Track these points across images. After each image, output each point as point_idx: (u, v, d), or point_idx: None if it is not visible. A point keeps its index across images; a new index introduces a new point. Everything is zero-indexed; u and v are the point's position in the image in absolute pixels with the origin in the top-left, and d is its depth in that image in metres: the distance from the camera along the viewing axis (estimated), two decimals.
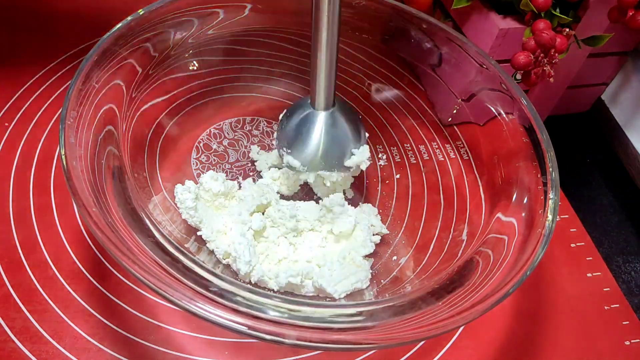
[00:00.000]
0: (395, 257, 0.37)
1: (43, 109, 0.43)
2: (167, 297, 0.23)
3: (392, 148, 0.42)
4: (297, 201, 0.38)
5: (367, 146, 0.37)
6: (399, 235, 0.38)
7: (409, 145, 0.41)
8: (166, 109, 0.38)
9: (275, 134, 0.38)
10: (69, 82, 0.29)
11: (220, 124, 0.42)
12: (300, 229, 0.36)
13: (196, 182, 0.37)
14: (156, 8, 0.34)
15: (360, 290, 0.34)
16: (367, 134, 0.38)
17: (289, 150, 0.36)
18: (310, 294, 0.33)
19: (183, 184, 0.37)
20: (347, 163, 0.37)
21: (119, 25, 0.32)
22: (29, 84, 0.45)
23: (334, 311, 0.26)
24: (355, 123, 0.37)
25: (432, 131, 0.40)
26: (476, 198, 0.35)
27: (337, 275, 0.33)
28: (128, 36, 0.33)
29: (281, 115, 0.38)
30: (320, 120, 0.36)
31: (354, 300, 0.33)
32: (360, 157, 0.37)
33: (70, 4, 0.52)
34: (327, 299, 0.33)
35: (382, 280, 0.35)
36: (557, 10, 0.39)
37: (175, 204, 0.36)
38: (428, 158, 0.40)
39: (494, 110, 0.36)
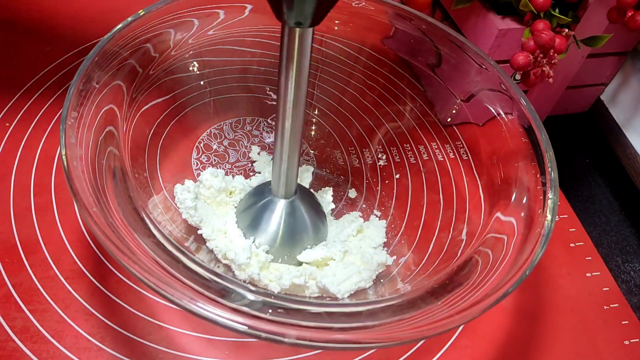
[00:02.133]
0: (394, 257, 0.37)
1: (44, 109, 0.43)
2: (168, 297, 0.23)
3: (391, 148, 0.42)
4: None
5: (322, 245, 0.36)
6: (399, 235, 0.38)
7: (408, 145, 0.41)
8: (167, 110, 0.38)
9: (234, 214, 0.36)
10: (70, 82, 0.29)
11: (220, 124, 0.42)
12: None
13: (196, 182, 0.37)
14: (156, 9, 0.34)
15: (363, 289, 0.34)
16: (327, 231, 0.37)
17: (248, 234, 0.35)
18: (315, 295, 0.33)
19: (183, 184, 0.37)
20: (300, 257, 0.35)
21: (120, 26, 0.33)
22: (29, 84, 0.45)
23: (334, 310, 0.26)
24: (316, 216, 0.36)
25: (432, 131, 0.40)
26: (475, 198, 0.35)
27: (340, 275, 0.33)
28: (128, 37, 0.33)
29: (241, 199, 0.37)
30: (280, 207, 0.35)
31: (353, 299, 0.33)
32: (314, 255, 0.35)
33: (71, 5, 0.53)
34: (327, 298, 0.33)
35: (381, 280, 0.35)
36: (557, 10, 0.39)
37: (176, 204, 0.36)
38: (427, 158, 0.40)
39: (494, 111, 0.36)
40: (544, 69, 0.38)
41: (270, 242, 0.34)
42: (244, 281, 0.33)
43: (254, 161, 0.41)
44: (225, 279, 0.26)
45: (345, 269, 0.33)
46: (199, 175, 0.39)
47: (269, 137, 0.43)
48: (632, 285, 0.42)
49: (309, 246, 0.35)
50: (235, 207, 0.37)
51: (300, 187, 0.36)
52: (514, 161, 0.33)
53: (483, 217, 0.33)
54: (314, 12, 0.24)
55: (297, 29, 0.26)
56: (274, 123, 0.43)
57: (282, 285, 0.32)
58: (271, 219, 0.35)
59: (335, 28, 0.41)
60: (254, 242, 0.34)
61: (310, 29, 0.26)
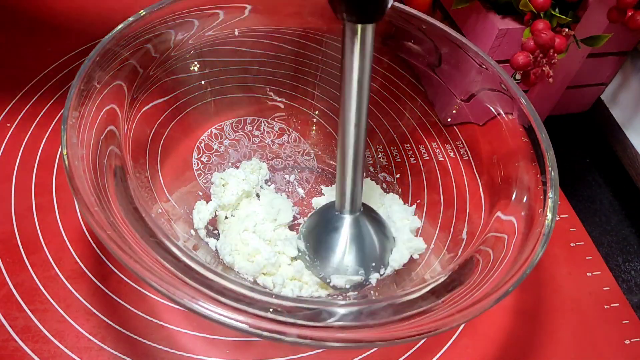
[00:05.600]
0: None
1: (45, 109, 0.44)
2: (169, 296, 0.23)
3: (392, 148, 0.42)
4: None
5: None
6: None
7: (409, 145, 0.41)
8: (167, 110, 0.38)
9: (298, 239, 0.35)
10: (71, 82, 0.29)
11: (221, 125, 0.42)
12: None
13: (196, 181, 0.37)
14: (157, 9, 0.35)
15: (363, 288, 0.34)
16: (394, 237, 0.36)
17: (314, 262, 0.34)
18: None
19: (184, 184, 0.38)
20: (389, 268, 0.34)
21: (120, 26, 0.33)
22: (30, 84, 0.45)
23: (335, 309, 0.26)
24: (382, 227, 0.35)
25: (432, 131, 0.40)
26: (476, 197, 0.35)
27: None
28: (129, 37, 0.33)
29: (302, 227, 0.36)
30: (346, 224, 0.34)
31: (354, 298, 0.33)
32: (399, 260, 0.34)
33: (72, 6, 0.53)
34: (328, 297, 0.33)
35: (382, 279, 0.35)
36: (557, 10, 0.39)
37: (176, 204, 0.36)
38: (428, 158, 0.40)
39: (494, 110, 0.36)
40: (544, 68, 0.38)
41: (337, 260, 0.33)
42: (245, 279, 0.34)
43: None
44: (227, 278, 0.26)
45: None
46: (199, 175, 0.39)
47: (269, 138, 0.43)
48: (633, 284, 0.42)
49: (373, 264, 0.34)
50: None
51: (364, 205, 0.35)
52: (514, 161, 0.33)
53: (483, 217, 0.33)
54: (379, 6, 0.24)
55: (359, 26, 0.25)
56: (276, 123, 0.43)
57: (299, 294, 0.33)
58: (339, 235, 0.34)
59: (336, 28, 0.41)
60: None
61: (371, 26, 0.26)
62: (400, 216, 0.37)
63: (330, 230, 0.34)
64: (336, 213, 0.34)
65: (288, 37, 0.42)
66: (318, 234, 0.35)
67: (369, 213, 0.35)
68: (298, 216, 0.39)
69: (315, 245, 0.34)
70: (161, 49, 0.36)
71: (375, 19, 0.25)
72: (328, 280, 0.33)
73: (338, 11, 0.25)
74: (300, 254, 0.34)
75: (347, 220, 0.34)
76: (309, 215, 0.37)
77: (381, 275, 0.34)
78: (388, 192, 0.40)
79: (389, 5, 0.25)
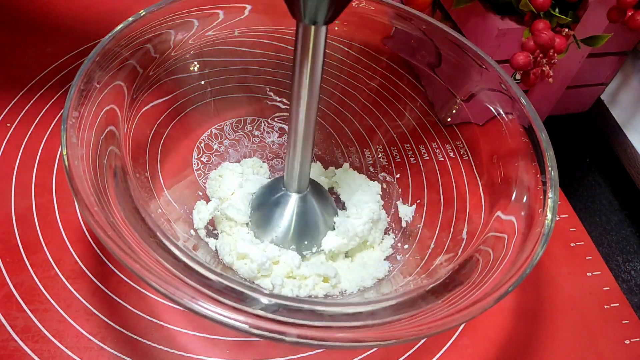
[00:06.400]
0: (397, 257, 0.37)
1: (45, 109, 0.44)
2: (169, 296, 0.23)
3: (392, 148, 0.42)
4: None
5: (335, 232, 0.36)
6: (399, 234, 0.38)
7: (408, 145, 0.41)
8: (167, 110, 0.38)
9: (249, 213, 0.37)
10: (71, 82, 0.29)
11: (221, 125, 0.42)
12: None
13: (196, 181, 0.37)
14: (157, 9, 0.35)
15: (363, 288, 0.34)
16: (334, 221, 0.37)
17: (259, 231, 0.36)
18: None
19: (184, 184, 0.38)
20: (325, 246, 0.36)
21: (120, 26, 0.33)
22: (30, 84, 0.45)
23: (335, 309, 0.26)
24: (327, 207, 0.37)
25: (432, 131, 0.40)
26: (476, 197, 0.35)
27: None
28: (129, 37, 0.33)
29: (252, 196, 0.38)
30: (292, 202, 0.36)
31: (354, 298, 0.33)
32: (335, 242, 0.36)
33: (72, 6, 0.53)
34: (328, 297, 0.33)
35: (383, 279, 0.35)
36: (556, 10, 0.39)
37: (176, 204, 0.36)
38: (428, 158, 0.40)
39: (494, 111, 0.36)
40: (543, 68, 0.38)
41: (283, 236, 0.35)
42: (245, 279, 0.34)
43: None
44: (227, 278, 0.26)
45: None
46: (199, 175, 0.39)
47: (269, 138, 0.43)
48: (633, 284, 0.42)
49: (321, 237, 0.36)
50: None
51: (311, 181, 0.37)
52: (514, 161, 0.33)
53: (483, 216, 0.33)
54: (328, 10, 0.24)
55: (312, 27, 0.26)
56: (275, 123, 0.43)
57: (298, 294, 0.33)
58: (284, 214, 0.35)
59: (336, 28, 0.41)
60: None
61: (325, 27, 0.26)
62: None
63: (272, 205, 0.36)
64: (282, 189, 0.36)
65: (288, 37, 0.42)
66: (262, 206, 0.37)
67: (314, 193, 0.37)
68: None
69: (259, 216, 0.36)
70: (161, 49, 0.36)
71: (327, 23, 0.26)
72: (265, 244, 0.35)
73: (292, 12, 0.25)
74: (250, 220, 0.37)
75: (291, 198, 0.36)
76: (259, 188, 0.39)
77: (312, 253, 0.36)
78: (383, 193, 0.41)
79: (342, 11, 0.25)
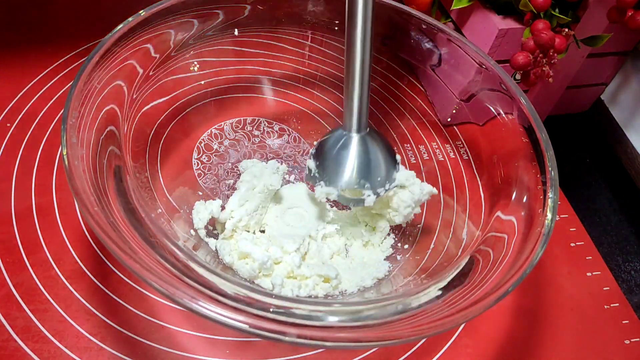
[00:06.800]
0: (397, 257, 0.37)
1: (45, 109, 0.44)
2: (169, 296, 0.23)
3: None
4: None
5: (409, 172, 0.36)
6: (399, 234, 0.38)
7: (409, 145, 0.41)
8: (167, 110, 0.38)
9: (307, 167, 0.38)
10: (71, 82, 0.29)
11: (221, 125, 0.42)
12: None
13: (196, 181, 0.37)
14: (157, 9, 0.35)
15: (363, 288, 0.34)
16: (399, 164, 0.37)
17: (324, 179, 0.36)
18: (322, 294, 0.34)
19: (184, 184, 0.38)
20: (387, 186, 0.36)
21: (120, 26, 0.33)
22: (30, 84, 0.45)
23: (335, 309, 0.26)
24: (389, 149, 0.37)
25: (432, 131, 0.40)
26: (476, 197, 0.35)
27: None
28: (129, 37, 0.33)
29: (312, 149, 0.38)
30: (355, 142, 0.36)
31: (354, 298, 0.33)
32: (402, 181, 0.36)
33: (72, 6, 0.53)
34: (328, 297, 0.33)
35: (383, 279, 0.35)
36: (557, 10, 0.39)
37: (176, 204, 0.36)
38: (428, 158, 0.40)
39: (494, 110, 0.36)
40: (543, 68, 0.38)
41: (356, 175, 0.35)
42: (245, 279, 0.34)
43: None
44: (227, 278, 0.26)
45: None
46: (200, 175, 0.39)
47: (269, 138, 0.43)
48: (633, 284, 0.42)
49: (379, 179, 0.36)
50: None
51: (371, 127, 0.37)
52: (514, 161, 0.33)
53: (483, 216, 0.33)
54: None
55: None
56: (276, 123, 0.43)
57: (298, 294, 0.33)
58: (350, 155, 0.35)
59: (336, 28, 0.41)
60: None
61: None
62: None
63: (339, 149, 0.36)
64: (344, 132, 0.36)
65: (288, 37, 0.42)
66: (327, 152, 0.36)
67: (374, 133, 0.37)
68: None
69: (324, 163, 0.36)
70: (161, 49, 0.36)
71: None
72: (338, 192, 0.35)
73: None
74: (310, 173, 0.37)
75: (354, 139, 0.36)
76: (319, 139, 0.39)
77: (386, 190, 0.35)
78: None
79: None
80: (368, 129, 0.36)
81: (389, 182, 0.36)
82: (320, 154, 0.37)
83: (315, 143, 0.38)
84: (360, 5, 0.31)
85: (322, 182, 0.36)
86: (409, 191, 0.36)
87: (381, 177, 0.35)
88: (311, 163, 0.37)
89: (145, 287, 0.35)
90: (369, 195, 0.35)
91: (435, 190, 0.36)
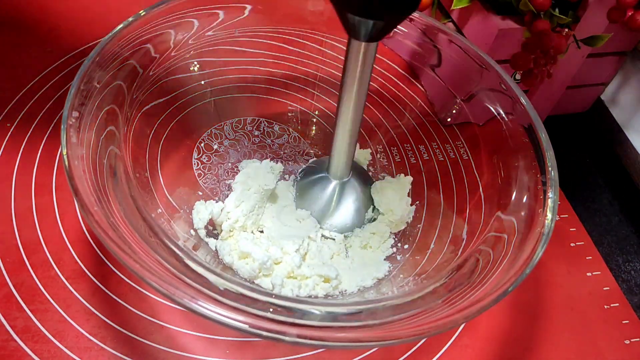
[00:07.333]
0: (398, 257, 0.37)
1: (45, 109, 0.44)
2: (169, 296, 0.23)
3: (392, 148, 0.42)
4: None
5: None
6: (399, 234, 0.38)
7: (409, 145, 0.41)
8: (167, 110, 0.38)
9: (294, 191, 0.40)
10: (71, 82, 0.29)
11: (221, 124, 0.42)
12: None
13: (196, 181, 0.37)
14: (157, 9, 0.35)
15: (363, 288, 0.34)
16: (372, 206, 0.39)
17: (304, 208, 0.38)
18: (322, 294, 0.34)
19: (184, 184, 0.38)
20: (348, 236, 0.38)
21: (120, 26, 0.33)
22: (30, 84, 0.45)
23: (335, 309, 0.26)
24: (367, 193, 0.39)
25: (432, 131, 0.40)
26: (476, 197, 0.35)
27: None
28: (129, 37, 0.33)
29: (299, 174, 0.41)
30: (334, 187, 0.38)
31: (354, 298, 0.33)
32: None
33: (72, 6, 0.53)
34: (328, 297, 0.33)
35: (383, 279, 0.35)
36: (556, 10, 0.39)
37: (176, 204, 0.36)
38: (428, 158, 0.40)
39: (494, 111, 0.36)
40: (544, 68, 0.38)
41: (318, 215, 0.38)
42: (245, 279, 0.34)
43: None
44: (227, 278, 0.26)
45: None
46: (200, 175, 0.39)
47: (269, 138, 0.43)
48: (633, 284, 0.42)
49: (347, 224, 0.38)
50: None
51: (354, 166, 0.39)
52: (515, 161, 0.33)
53: (483, 216, 0.33)
54: (384, 30, 0.27)
55: (364, 44, 0.28)
56: (276, 123, 0.43)
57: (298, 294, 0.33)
58: (325, 197, 0.38)
59: (336, 28, 0.41)
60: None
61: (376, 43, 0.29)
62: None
63: (318, 190, 0.38)
64: (327, 174, 0.38)
65: (288, 37, 0.42)
66: (306, 189, 0.39)
67: (356, 177, 0.39)
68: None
69: (303, 198, 0.39)
70: (161, 49, 0.36)
71: (378, 39, 0.28)
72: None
73: (345, 28, 0.28)
74: (294, 198, 0.39)
75: (332, 184, 0.38)
76: (305, 167, 0.41)
77: (350, 233, 0.38)
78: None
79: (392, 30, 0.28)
80: (350, 174, 0.38)
81: (357, 226, 0.38)
82: (303, 191, 0.39)
83: (299, 172, 0.40)
84: (357, 74, 0.30)
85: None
86: (391, 189, 0.38)
87: (351, 222, 0.38)
88: (293, 191, 0.39)
89: (145, 287, 0.35)
90: (351, 231, 0.38)
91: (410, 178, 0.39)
